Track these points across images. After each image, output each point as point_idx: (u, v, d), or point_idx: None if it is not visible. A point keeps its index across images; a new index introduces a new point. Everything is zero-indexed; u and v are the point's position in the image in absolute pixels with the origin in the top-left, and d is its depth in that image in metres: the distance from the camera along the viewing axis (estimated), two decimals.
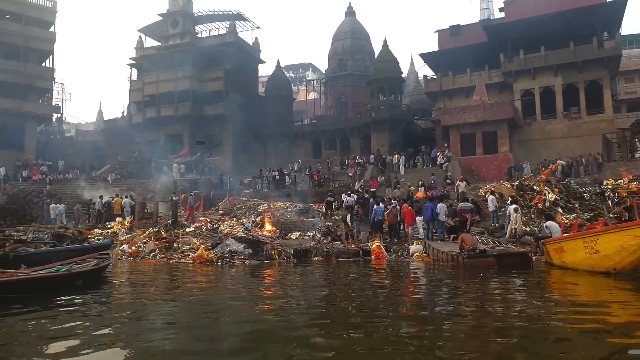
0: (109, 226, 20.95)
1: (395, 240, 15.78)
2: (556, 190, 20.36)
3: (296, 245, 14.87)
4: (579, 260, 8.57)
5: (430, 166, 30.10)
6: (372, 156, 32.39)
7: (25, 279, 7.62)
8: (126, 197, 22.78)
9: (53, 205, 23.24)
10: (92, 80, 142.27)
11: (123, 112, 51.57)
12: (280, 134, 39.12)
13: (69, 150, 43.35)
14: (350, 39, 43.79)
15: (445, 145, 32.09)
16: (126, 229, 20.53)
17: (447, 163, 28.72)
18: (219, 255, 13.60)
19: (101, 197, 22.88)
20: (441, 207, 14.62)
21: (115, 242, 17.06)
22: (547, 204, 19.54)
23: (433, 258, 12.82)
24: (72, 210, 24.39)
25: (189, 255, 14.49)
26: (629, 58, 41.56)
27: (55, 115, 46.07)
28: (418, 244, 14.45)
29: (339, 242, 15.71)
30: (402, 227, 16.62)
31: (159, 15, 39.48)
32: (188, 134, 37.90)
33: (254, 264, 13.11)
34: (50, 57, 39.61)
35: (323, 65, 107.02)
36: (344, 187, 26.14)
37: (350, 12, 45.81)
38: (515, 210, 15.76)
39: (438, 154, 30.44)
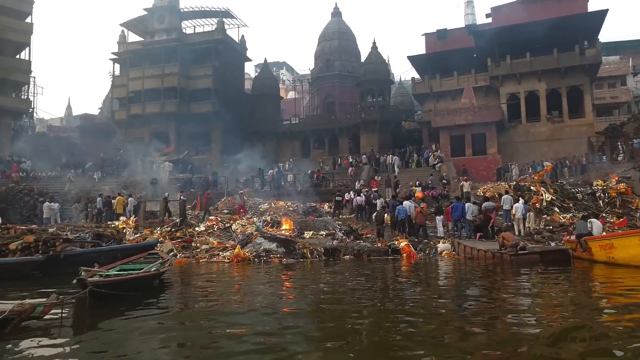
0: (112, 226, 20.48)
1: (415, 239, 16.13)
2: (551, 190, 21.30)
3: (324, 244, 15.05)
4: (632, 256, 9.17)
5: (425, 166, 30.70)
6: (364, 156, 32.83)
7: (132, 277, 7.60)
8: (129, 195, 22.31)
9: (47, 203, 22.55)
10: (61, 73, 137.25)
11: (100, 108, 50.34)
12: (268, 133, 39.09)
13: (41, 147, 41.82)
14: (338, 40, 44.11)
15: (434, 146, 32.91)
16: (132, 228, 20.15)
17: (440, 164, 29.45)
18: (254, 253, 13.63)
19: (101, 195, 22.31)
20: (469, 207, 15.15)
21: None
22: (545, 203, 20.46)
23: (464, 256, 13.27)
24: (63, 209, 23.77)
25: (218, 254, 14.43)
26: None
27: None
28: (444, 242, 14.90)
29: (361, 241, 15.99)
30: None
31: (145, 10, 38.66)
32: (174, 131, 37.32)
33: (290, 262, 13.26)
34: (27, 49, 38.10)
35: (297, 64, 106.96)
36: (343, 186, 26.48)
37: (336, 13, 46.12)
38: (529, 209, 16.53)
39: (430, 154, 31.15)
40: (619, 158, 27.22)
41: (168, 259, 10.08)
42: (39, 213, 22.81)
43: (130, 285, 7.36)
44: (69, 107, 66.61)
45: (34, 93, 46.35)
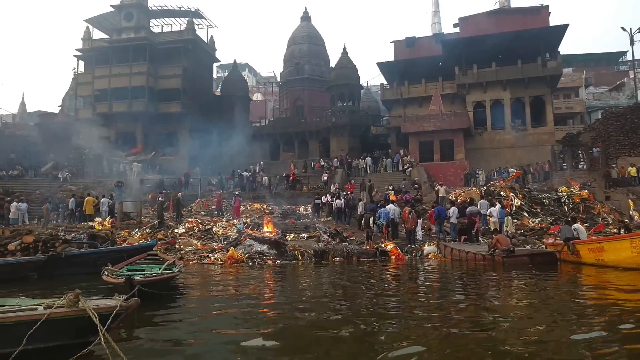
0: (88, 227, 19.91)
1: (408, 242, 16.43)
2: (520, 196, 22.25)
3: (311, 247, 15.21)
4: (623, 259, 9.82)
5: (393, 170, 31.39)
6: (335, 160, 33.18)
7: (169, 276, 7.63)
8: (103, 195, 21.73)
9: (15, 204, 21.71)
10: (14, 68, 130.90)
11: (60, 106, 48.54)
12: (238, 135, 38.76)
13: None
14: (307, 44, 44.36)
15: (402, 151, 33.66)
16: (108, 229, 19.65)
17: (410, 168, 30.18)
18: (247, 255, 13.66)
19: (74, 195, 21.65)
20: (453, 210, 15.68)
21: None
22: (514, 208, 21.34)
23: (451, 258, 13.73)
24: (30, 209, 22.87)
25: (208, 256, 14.35)
26: None
27: None
28: (430, 245, 15.37)
29: (347, 243, 16.26)
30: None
31: (112, 6, 37.69)
32: (142, 131, 36.51)
33: (284, 264, 13.39)
34: None
35: (259, 66, 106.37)
36: (318, 189, 26.75)
37: (306, 17, 46.38)
38: (507, 214, 17.27)
39: (400, 159, 31.83)
40: (580, 166, 28.75)
41: (173, 260, 10.02)
42: (4, 213, 21.88)
43: (164, 284, 7.41)
44: (22, 104, 63.64)
45: None
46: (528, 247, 15.47)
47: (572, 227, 12.07)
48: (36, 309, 3.98)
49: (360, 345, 4.89)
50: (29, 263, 9.66)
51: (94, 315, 3.77)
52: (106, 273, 7.72)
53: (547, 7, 34.34)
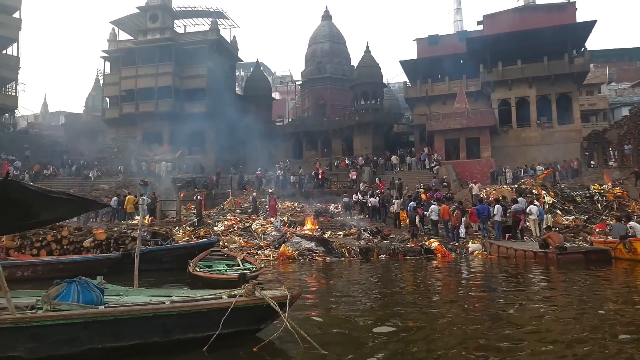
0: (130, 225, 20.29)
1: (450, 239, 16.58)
2: (552, 193, 22.23)
3: (354, 244, 15.43)
4: None
5: (418, 168, 31.56)
6: (360, 158, 33.34)
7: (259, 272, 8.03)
8: (141, 194, 22.08)
9: None
10: (37, 69, 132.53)
11: (84, 106, 49.31)
12: (261, 134, 39.05)
13: (25, 145, 40.77)
14: (329, 43, 44.57)
15: (426, 149, 33.73)
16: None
17: (437, 166, 30.24)
18: (297, 252, 13.92)
19: (118, 194, 22.10)
20: (498, 208, 15.78)
21: None
22: (547, 206, 21.33)
23: (498, 255, 13.83)
24: None
25: (257, 253, 14.62)
26: None
27: None
28: (474, 242, 15.49)
29: (389, 241, 16.44)
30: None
31: (137, 8, 38.18)
32: (168, 131, 36.95)
33: (333, 261, 13.61)
34: (15, 44, 37.07)
35: (274, 65, 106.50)
36: (347, 187, 26.98)
37: (327, 16, 46.53)
38: (546, 212, 17.33)
39: (426, 157, 31.91)
40: (610, 163, 28.58)
41: (243, 256, 10.34)
42: None
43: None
44: (45, 104, 64.79)
45: (15, 89, 45.15)
46: (568, 244, 15.53)
47: (628, 224, 12.13)
48: (221, 297, 4.27)
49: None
50: (108, 259, 10.02)
51: (274, 304, 4.03)
52: (200, 269, 8.09)
53: (574, 3, 34.15)
